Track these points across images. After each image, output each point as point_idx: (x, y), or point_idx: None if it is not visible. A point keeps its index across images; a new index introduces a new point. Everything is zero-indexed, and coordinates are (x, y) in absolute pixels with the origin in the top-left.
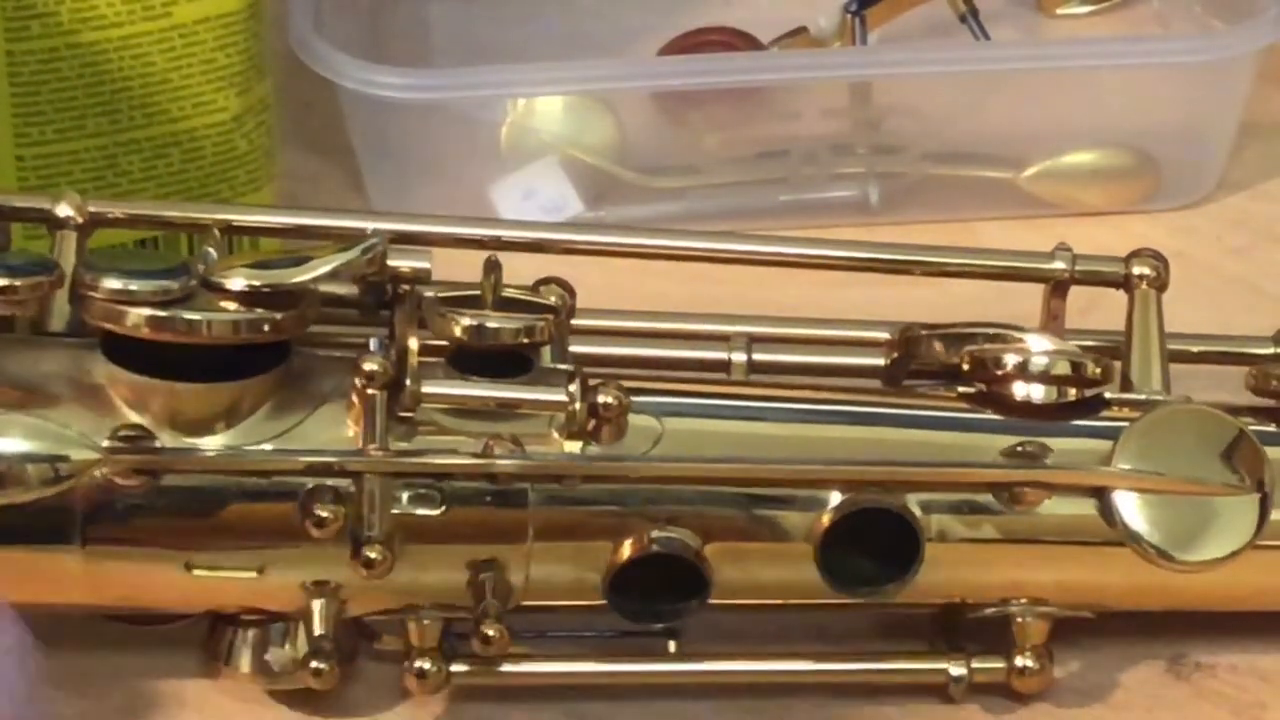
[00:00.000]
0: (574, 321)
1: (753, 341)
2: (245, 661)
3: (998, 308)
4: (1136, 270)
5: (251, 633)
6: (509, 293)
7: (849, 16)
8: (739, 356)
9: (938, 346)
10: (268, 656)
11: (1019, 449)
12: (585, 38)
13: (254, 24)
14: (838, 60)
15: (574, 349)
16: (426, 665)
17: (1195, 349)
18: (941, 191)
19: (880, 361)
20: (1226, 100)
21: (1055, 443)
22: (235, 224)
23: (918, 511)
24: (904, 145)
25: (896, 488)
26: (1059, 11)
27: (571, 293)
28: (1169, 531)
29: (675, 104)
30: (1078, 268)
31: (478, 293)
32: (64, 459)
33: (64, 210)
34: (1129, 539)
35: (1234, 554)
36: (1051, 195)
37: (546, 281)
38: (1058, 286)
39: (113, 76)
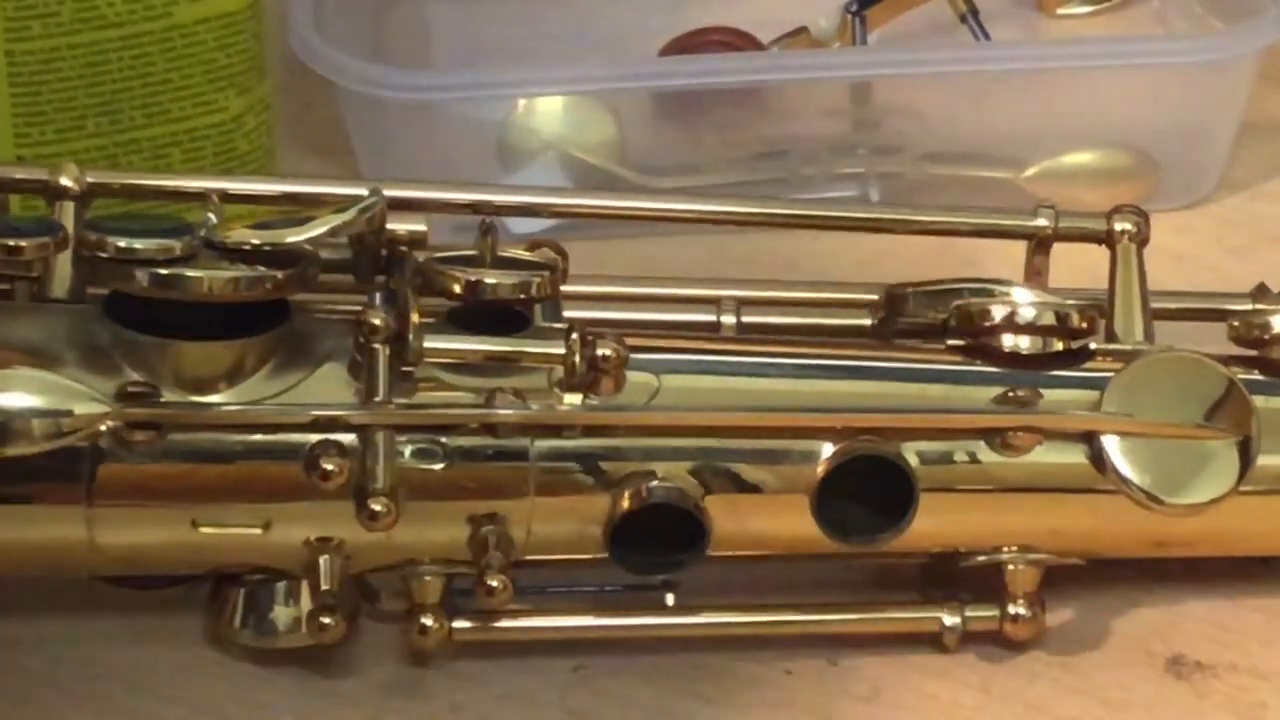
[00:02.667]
0: (565, 287)
1: (741, 304)
2: (249, 621)
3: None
4: (1118, 225)
5: (255, 593)
6: (505, 253)
7: (849, 16)
8: (728, 319)
9: (924, 302)
10: (272, 616)
11: (1010, 395)
12: (585, 38)
13: (254, 24)
14: (838, 60)
15: (565, 313)
16: (429, 621)
17: (1175, 305)
18: (941, 191)
19: (867, 321)
20: (1226, 100)
21: (1044, 391)
22: (232, 193)
23: (912, 460)
24: (904, 145)
25: (890, 435)
26: (1059, 11)
27: (564, 255)
28: (1157, 476)
29: (675, 104)
30: (1060, 224)
31: (475, 253)
32: (69, 413)
33: (62, 180)
34: (1118, 483)
35: (1220, 498)
36: (1051, 195)
37: (539, 245)
38: (1041, 243)
39: (113, 76)
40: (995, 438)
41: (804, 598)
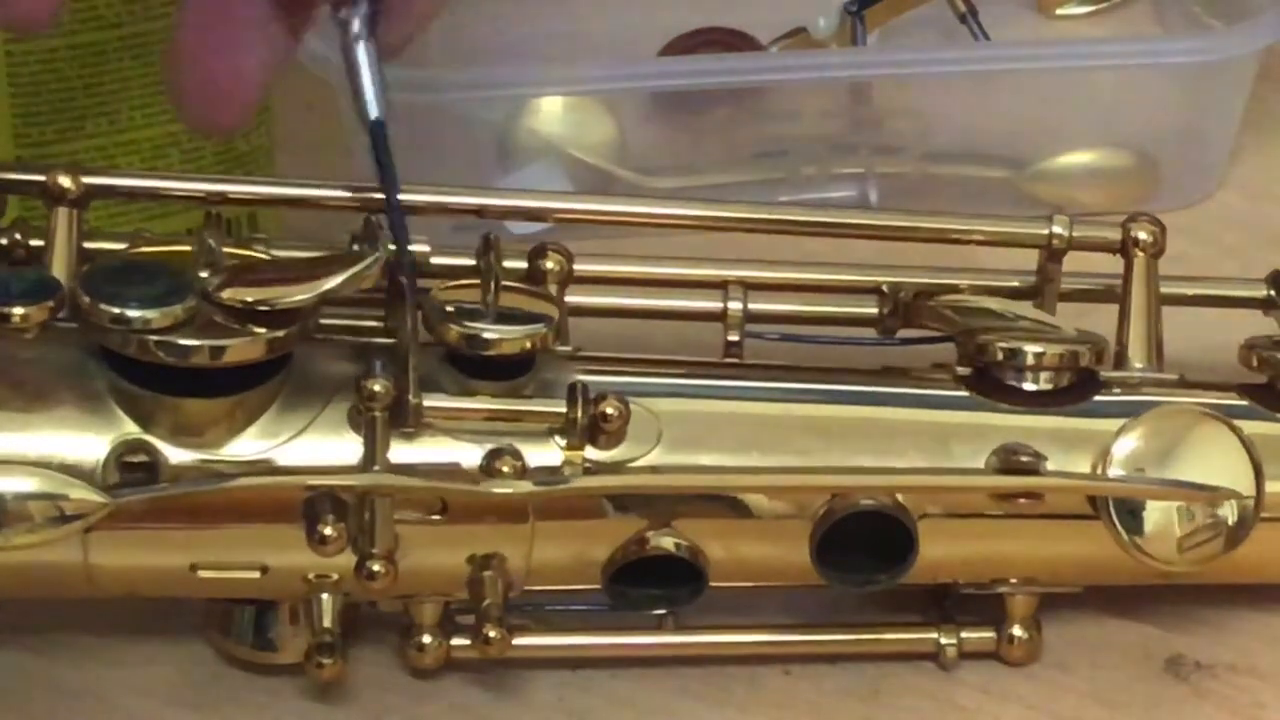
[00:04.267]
0: (575, 266)
1: (749, 289)
2: (250, 637)
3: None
4: (1134, 234)
5: (257, 610)
6: (509, 283)
7: (849, 16)
8: (735, 305)
9: (932, 318)
10: (272, 634)
11: (1014, 458)
12: (585, 38)
13: None
14: (838, 60)
15: (571, 299)
16: (427, 640)
17: (1190, 292)
18: (941, 192)
19: (874, 310)
20: (1226, 100)
21: (1050, 426)
22: (230, 196)
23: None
24: (904, 145)
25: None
26: (1059, 11)
27: (569, 256)
28: (1161, 531)
29: (675, 104)
30: (1075, 233)
31: (477, 283)
32: (65, 497)
33: (60, 181)
34: (1123, 545)
35: (1222, 553)
36: (1051, 195)
37: (543, 250)
38: (1054, 252)
39: (112, 77)
40: (998, 501)
41: (802, 617)
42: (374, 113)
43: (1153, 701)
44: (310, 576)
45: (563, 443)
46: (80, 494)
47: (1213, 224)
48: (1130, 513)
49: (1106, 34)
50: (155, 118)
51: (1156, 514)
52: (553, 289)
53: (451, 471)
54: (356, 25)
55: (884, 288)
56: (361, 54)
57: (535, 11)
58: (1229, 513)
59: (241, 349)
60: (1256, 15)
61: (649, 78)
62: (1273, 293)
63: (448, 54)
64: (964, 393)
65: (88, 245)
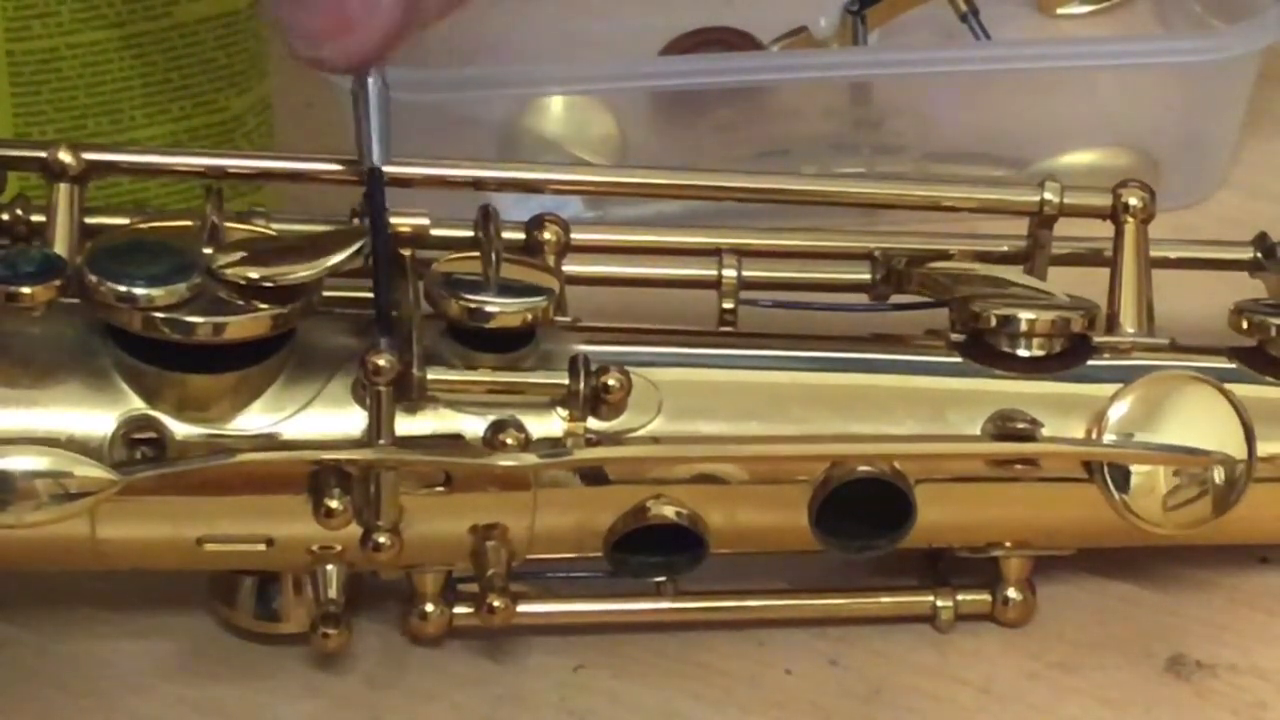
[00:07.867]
0: (572, 235)
1: (742, 256)
2: (249, 606)
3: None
4: (1125, 200)
5: (261, 580)
6: (509, 255)
7: (849, 16)
8: (729, 272)
9: (924, 284)
10: (276, 605)
11: (1010, 424)
12: (585, 38)
13: (254, 23)
14: (838, 60)
15: (568, 268)
16: (429, 609)
17: (1174, 255)
18: None
19: (867, 276)
20: (1226, 100)
21: (1044, 392)
22: (230, 170)
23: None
24: (904, 145)
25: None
26: (1059, 11)
27: (566, 227)
28: (1155, 494)
29: (675, 104)
30: (1066, 199)
31: (478, 255)
32: (74, 476)
33: (60, 157)
34: (1118, 509)
35: (1215, 516)
36: None
37: (540, 222)
38: (1045, 218)
39: (113, 76)
40: (994, 466)
41: (800, 583)
42: (375, 159)
43: (1153, 701)
44: (315, 548)
45: (565, 414)
46: (89, 471)
47: (1213, 224)
48: (1124, 476)
49: (1107, 34)
50: (156, 117)
51: (1149, 478)
52: (550, 259)
53: (455, 444)
54: (372, 72)
55: (876, 253)
56: (373, 97)
57: (535, 11)
58: (1218, 475)
59: (246, 325)
60: (1257, 15)
61: (649, 78)
62: (1259, 255)
63: (448, 54)
64: (958, 359)
65: (89, 220)
